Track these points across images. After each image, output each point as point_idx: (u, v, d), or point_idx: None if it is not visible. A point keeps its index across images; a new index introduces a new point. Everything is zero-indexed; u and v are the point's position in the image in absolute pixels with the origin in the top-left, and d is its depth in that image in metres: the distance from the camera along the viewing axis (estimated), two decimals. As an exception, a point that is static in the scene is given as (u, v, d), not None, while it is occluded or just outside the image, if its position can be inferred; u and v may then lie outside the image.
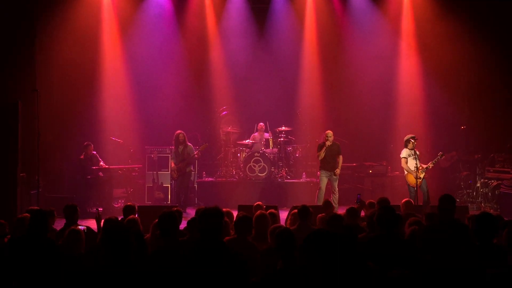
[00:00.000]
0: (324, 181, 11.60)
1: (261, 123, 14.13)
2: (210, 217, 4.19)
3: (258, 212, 6.15)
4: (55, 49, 13.34)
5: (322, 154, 11.53)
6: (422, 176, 10.78)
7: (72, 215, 6.81)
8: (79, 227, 6.52)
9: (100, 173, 12.40)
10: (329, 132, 11.63)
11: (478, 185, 13.00)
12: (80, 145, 12.76)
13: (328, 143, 11.53)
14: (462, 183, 13.63)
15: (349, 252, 3.67)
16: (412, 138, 10.97)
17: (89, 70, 13.83)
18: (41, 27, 13.13)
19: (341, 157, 11.71)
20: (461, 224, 5.66)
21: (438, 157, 11.19)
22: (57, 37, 13.32)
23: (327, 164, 11.58)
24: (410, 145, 10.92)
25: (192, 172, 13.35)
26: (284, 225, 6.78)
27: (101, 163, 12.54)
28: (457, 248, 4.67)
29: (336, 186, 11.66)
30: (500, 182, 12.13)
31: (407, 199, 8.46)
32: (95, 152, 12.57)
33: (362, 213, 8.12)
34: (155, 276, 4.07)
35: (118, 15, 14.13)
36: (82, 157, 12.43)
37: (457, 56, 13.97)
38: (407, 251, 4.78)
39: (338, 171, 11.62)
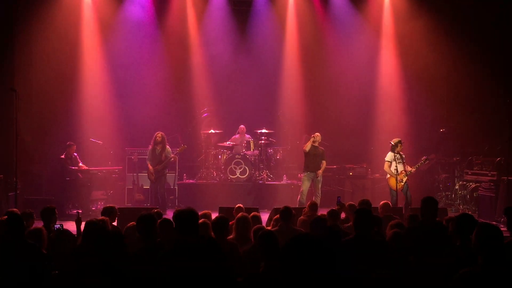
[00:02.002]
0: (306, 185, 11.62)
1: (242, 126, 14.13)
2: (185, 218, 4.25)
3: (240, 214, 6.16)
4: (34, 49, 13.22)
5: (309, 145, 11.57)
6: (404, 180, 10.88)
7: (50, 218, 6.73)
8: (55, 226, 6.46)
9: (80, 174, 12.27)
10: (318, 134, 11.74)
11: (457, 187, 13.14)
12: (59, 146, 12.64)
13: (313, 139, 11.58)
14: (441, 186, 13.76)
15: (333, 254, 3.67)
16: (399, 142, 11.04)
17: (68, 70, 13.70)
18: (20, 26, 13.01)
19: (324, 162, 11.77)
20: (442, 226, 5.72)
21: (422, 161, 11.32)
22: (36, 36, 13.19)
23: (312, 164, 11.61)
24: (397, 149, 10.98)
25: (173, 174, 13.30)
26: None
27: (80, 164, 12.41)
28: (438, 248, 4.71)
29: (320, 189, 11.71)
30: (478, 184, 12.25)
31: (385, 201, 8.51)
32: (76, 154, 12.44)
33: (343, 215, 8.15)
34: (137, 277, 4.04)
35: (99, 15, 14.02)
36: (63, 156, 12.29)
37: (437, 59, 14.11)
38: (384, 253, 4.80)
39: (320, 172, 11.66)
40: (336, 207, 8.22)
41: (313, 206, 8.11)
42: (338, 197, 8.81)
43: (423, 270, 4.34)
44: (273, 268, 4.10)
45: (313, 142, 11.64)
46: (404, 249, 4.37)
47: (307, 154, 11.66)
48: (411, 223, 6.27)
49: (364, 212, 5.20)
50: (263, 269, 4.15)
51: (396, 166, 10.79)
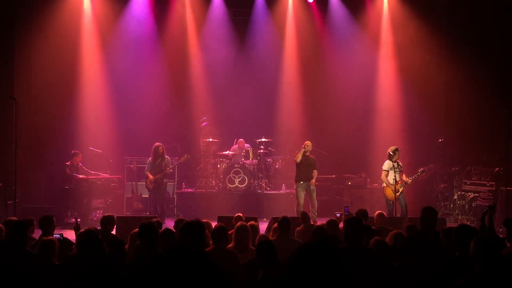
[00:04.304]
0: (301, 195, 11.52)
1: (241, 139, 14.15)
2: (193, 229, 4.27)
3: (239, 223, 6.18)
4: (34, 58, 13.27)
5: (300, 156, 11.48)
6: (400, 190, 10.84)
7: (48, 226, 6.73)
8: (54, 235, 6.47)
9: (79, 183, 12.24)
10: (309, 142, 11.66)
11: (455, 197, 13.14)
12: (59, 154, 12.66)
13: (304, 149, 11.51)
14: (439, 196, 13.76)
15: (336, 263, 3.69)
16: (397, 150, 11.02)
17: (68, 79, 13.74)
18: (20, 34, 13.07)
19: (316, 172, 11.70)
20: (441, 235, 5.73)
21: (419, 173, 11.30)
22: (36, 44, 13.25)
23: (303, 174, 11.52)
24: (394, 157, 10.95)
25: (172, 183, 13.32)
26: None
27: (90, 171, 12.45)
28: (435, 258, 4.73)
29: (315, 198, 11.65)
30: (476, 194, 12.27)
31: (380, 211, 8.50)
32: (81, 164, 12.43)
33: (341, 225, 8.15)
34: (137, 284, 4.05)
35: (98, 25, 14.09)
36: (68, 163, 12.29)
37: (435, 69, 14.21)
38: (374, 262, 4.82)
39: (313, 181, 11.59)
40: (341, 216, 8.28)
41: (304, 217, 8.12)
42: (345, 207, 8.83)
43: (419, 278, 4.36)
44: (271, 276, 4.11)
45: (305, 152, 11.57)
46: (403, 257, 4.39)
47: (298, 164, 11.56)
48: (410, 233, 6.28)
49: (353, 222, 5.22)
50: (261, 277, 4.16)
51: (395, 176, 10.78)
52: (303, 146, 11.60)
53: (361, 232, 5.16)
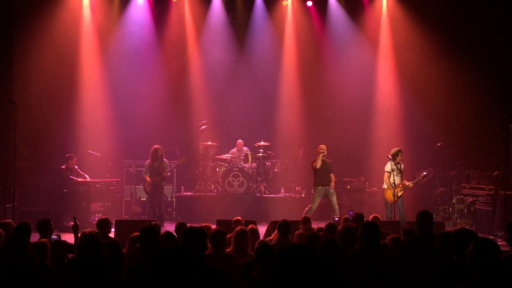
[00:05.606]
0: (317, 202, 11.40)
1: (240, 140, 14.14)
2: (196, 238, 4.28)
3: (239, 227, 6.16)
4: (33, 61, 13.31)
5: (319, 162, 11.38)
6: (400, 194, 10.80)
7: (46, 230, 6.71)
8: (52, 236, 6.46)
9: (78, 186, 12.21)
10: (324, 146, 11.52)
11: (454, 201, 13.12)
12: (58, 158, 12.65)
13: (322, 154, 11.38)
14: (438, 199, 13.75)
15: (328, 267, 3.68)
16: (399, 151, 10.99)
17: (67, 82, 13.78)
18: (19, 37, 13.10)
19: (333, 175, 11.61)
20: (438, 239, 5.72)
21: (421, 177, 11.28)
22: (35, 48, 13.30)
23: (323, 178, 11.43)
24: (397, 159, 10.91)
25: (170, 187, 13.31)
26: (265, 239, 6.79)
27: (86, 176, 12.42)
28: (435, 263, 4.72)
29: (335, 201, 11.50)
30: (475, 198, 12.24)
31: (375, 215, 8.48)
32: (76, 167, 12.42)
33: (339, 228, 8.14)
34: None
35: (98, 28, 14.12)
36: (63, 167, 12.28)
37: (434, 72, 14.23)
38: (388, 267, 4.81)
39: (332, 184, 11.49)
40: (340, 220, 8.29)
41: (306, 221, 8.10)
42: (350, 211, 8.83)
43: (417, 282, 4.36)
44: (270, 280, 4.10)
45: (323, 156, 11.47)
46: (401, 262, 4.39)
47: (318, 169, 11.45)
48: (407, 237, 6.28)
49: (372, 227, 5.19)
50: (260, 281, 4.16)
51: (394, 178, 10.75)
52: (321, 151, 11.45)
53: (378, 238, 5.13)
